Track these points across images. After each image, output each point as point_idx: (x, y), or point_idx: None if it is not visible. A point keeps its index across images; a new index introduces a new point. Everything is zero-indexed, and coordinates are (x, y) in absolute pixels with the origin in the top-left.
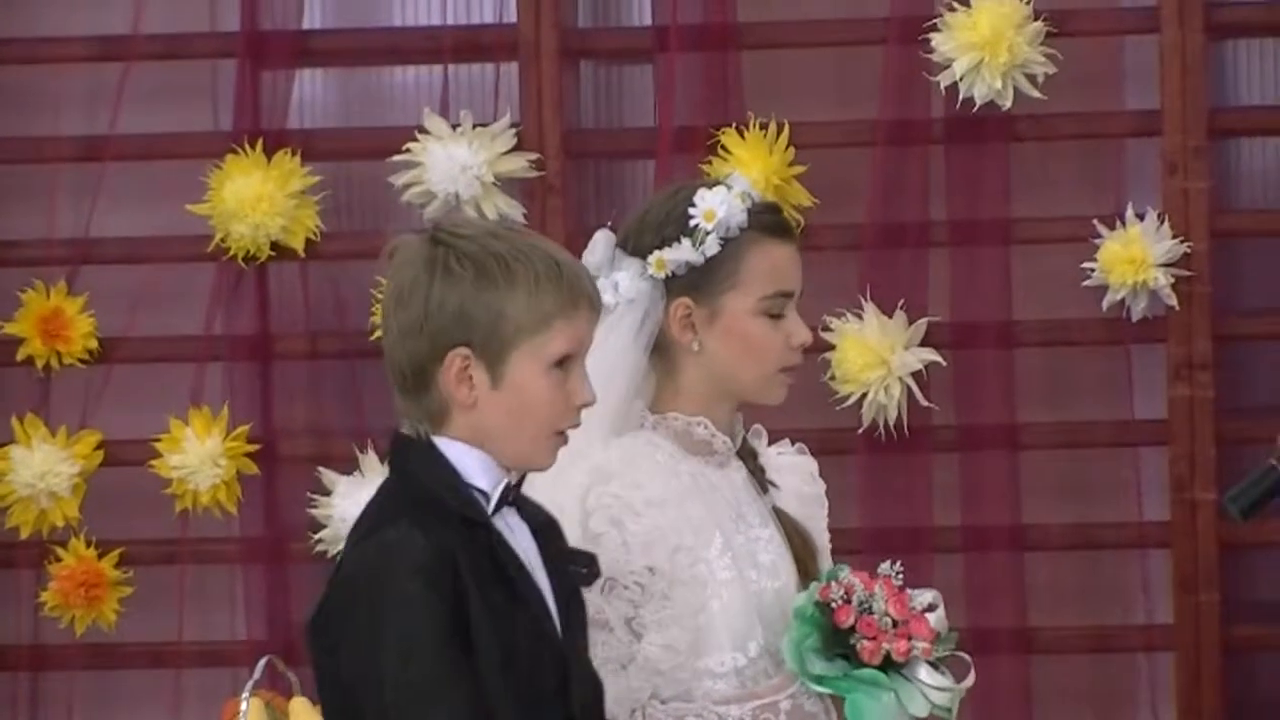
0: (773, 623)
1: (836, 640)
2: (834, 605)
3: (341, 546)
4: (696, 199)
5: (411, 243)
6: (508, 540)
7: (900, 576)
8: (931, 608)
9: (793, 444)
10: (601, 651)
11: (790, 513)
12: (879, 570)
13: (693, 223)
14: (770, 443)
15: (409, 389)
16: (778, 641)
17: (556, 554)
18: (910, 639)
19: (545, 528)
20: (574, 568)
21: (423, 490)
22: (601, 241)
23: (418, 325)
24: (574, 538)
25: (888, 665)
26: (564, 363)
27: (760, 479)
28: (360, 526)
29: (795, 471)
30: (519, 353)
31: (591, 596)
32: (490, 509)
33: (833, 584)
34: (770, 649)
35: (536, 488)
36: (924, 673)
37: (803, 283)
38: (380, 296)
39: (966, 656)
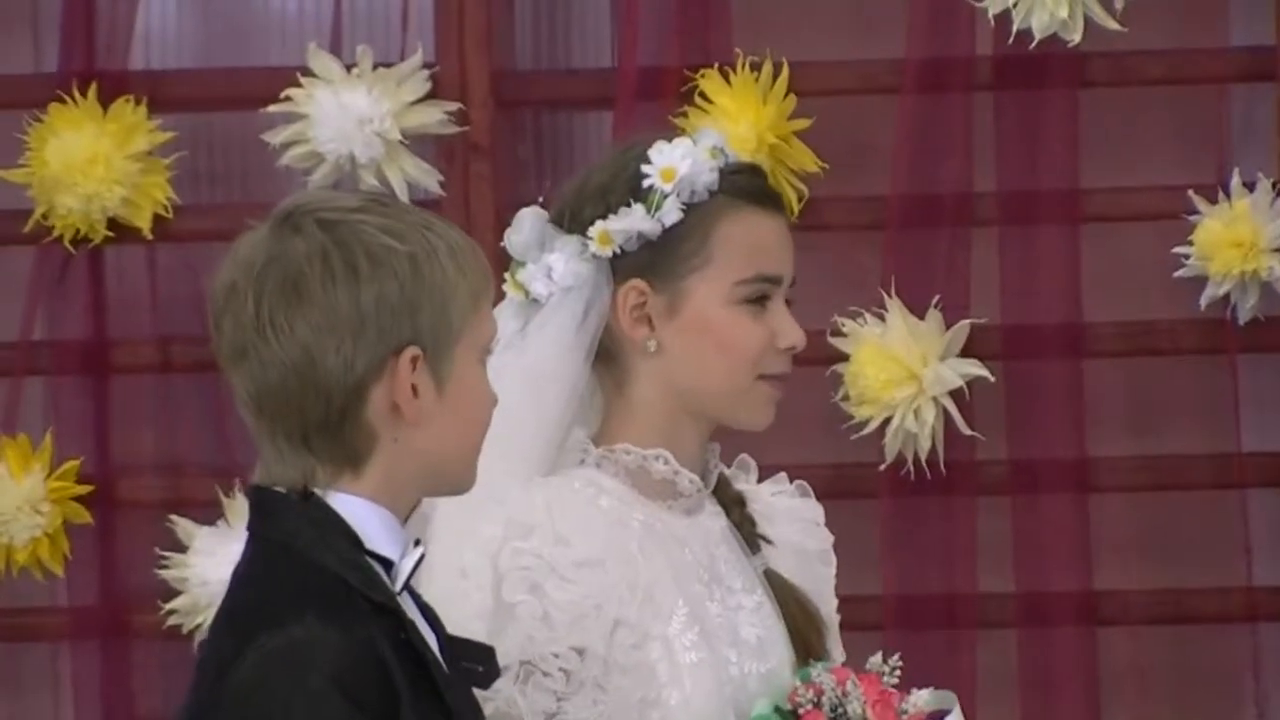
0: None
1: None
2: (800, 712)
3: (199, 624)
4: (652, 154)
5: (287, 236)
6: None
7: (897, 673)
8: (942, 714)
9: (791, 481)
10: None
11: (786, 575)
12: (869, 665)
13: (647, 183)
14: (761, 478)
15: (325, 424)
16: None
17: (448, 646)
18: None
19: (427, 609)
20: (468, 664)
21: (319, 569)
22: (529, 219)
23: (353, 326)
24: (484, 610)
25: None
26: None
27: (748, 533)
28: (237, 623)
29: (793, 519)
30: (461, 344)
31: (503, 684)
32: (399, 585)
33: (799, 686)
34: None
35: (438, 547)
36: None
37: (798, 272)
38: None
39: None
